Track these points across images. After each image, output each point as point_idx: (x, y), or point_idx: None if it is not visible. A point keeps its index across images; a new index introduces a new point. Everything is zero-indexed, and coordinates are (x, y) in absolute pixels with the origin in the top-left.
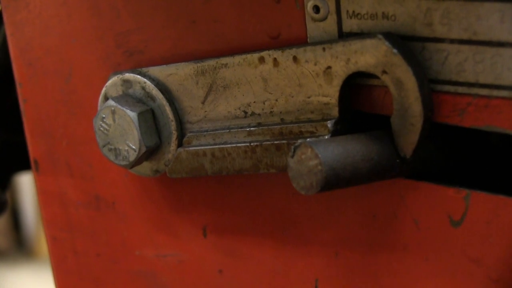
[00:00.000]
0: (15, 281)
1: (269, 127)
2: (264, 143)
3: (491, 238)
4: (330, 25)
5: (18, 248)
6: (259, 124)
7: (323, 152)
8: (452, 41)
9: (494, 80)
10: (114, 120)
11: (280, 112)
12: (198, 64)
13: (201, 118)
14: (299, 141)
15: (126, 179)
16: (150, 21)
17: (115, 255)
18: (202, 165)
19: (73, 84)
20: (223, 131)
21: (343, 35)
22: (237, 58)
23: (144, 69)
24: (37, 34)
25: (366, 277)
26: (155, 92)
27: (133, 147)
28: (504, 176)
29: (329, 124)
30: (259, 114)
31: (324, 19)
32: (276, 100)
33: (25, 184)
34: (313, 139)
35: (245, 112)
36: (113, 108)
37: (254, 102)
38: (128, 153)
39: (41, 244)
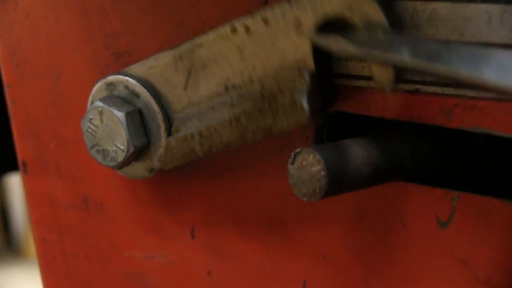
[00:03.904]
0: (4, 281)
1: (251, 94)
2: (247, 109)
3: (478, 239)
4: None
5: (8, 248)
6: (241, 95)
7: (325, 158)
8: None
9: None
10: (101, 121)
11: (259, 78)
12: (175, 50)
13: (185, 105)
14: (299, 148)
15: (115, 180)
16: (138, 22)
17: (104, 256)
18: (192, 148)
19: (61, 86)
20: (208, 110)
21: None
22: (211, 34)
23: (126, 69)
24: (26, 36)
25: (354, 278)
26: (138, 88)
27: (121, 147)
28: (491, 177)
29: (306, 74)
30: (239, 86)
31: None
32: (254, 67)
33: (15, 184)
34: (313, 146)
35: (226, 87)
36: (100, 109)
37: (233, 74)
38: (116, 153)
39: (31, 244)
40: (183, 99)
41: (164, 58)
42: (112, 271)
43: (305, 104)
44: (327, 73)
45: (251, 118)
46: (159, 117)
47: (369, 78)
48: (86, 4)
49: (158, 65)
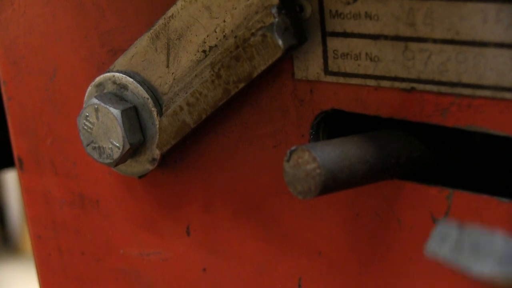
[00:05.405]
0: (0, 277)
1: (227, 49)
2: (225, 62)
3: None
4: (312, 24)
5: (3, 244)
6: (218, 54)
7: (320, 155)
8: (435, 41)
9: (477, 80)
10: (97, 118)
11: (232, 31)
12: (151, 31)
13: (171, 83)
14: (294, 146)
15: (110, 178)
16: (134, 20)
17: (99, 253)
18: (183, 121)
19: (57, 83)
20: (192, 80)
21: (326, 35)
22: (179, 3)
23: (111, 67)
24: (22, 33)
25: (349, 276)
26: (125, 80)
27: (117, 144)
28: (487, 175)
29: (273, 10)
30: (216, 45)
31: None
32: (224, 21)
33: (10, 180)
34: (309, 144)
35: (204, 51)
36: (96, 106)
37: (208, 36)
38: (112, 151)
39: (26, 240)
40: (168, 78)
41: (143, 42)
42: (108, 268)
43: (276, 36)
44: (294, 8)
45: (229, 69)
46: (149, 102)
47: (365, 76)
48: (82, 1)
49: (138, 52)
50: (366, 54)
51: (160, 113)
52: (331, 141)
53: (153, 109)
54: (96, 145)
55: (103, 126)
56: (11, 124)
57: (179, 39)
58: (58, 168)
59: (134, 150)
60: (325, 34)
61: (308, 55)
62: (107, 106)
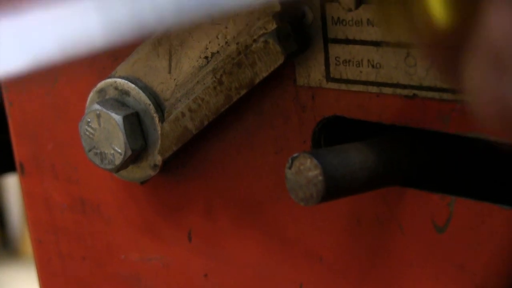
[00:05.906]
0: (0, 280)
1: (229, 55)
2: (227, 69)
3: (475, 245)
4: (314, 31)
5: (4, 248)
6: (220, 60)
7: (322, 162)
8: None
9: None
10: (99, 124)
11: (234, 37)
12: (153, 37)
13: (173, 89)
14: (296, 153)
15: (112, 183)
16: None
17: (100, 258)
18: (185, 127)
19: (59, 88)
20: (194, 86)
21: (328, 41)
22: None
23: (113, 72)
24: None
25: (350, 282)
26: (127, 85)
27: (119, 150)
28: (489, 182)
29: (274, 16)
30: (218, 52)
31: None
32: (226, 27)
33: (11, 184)
34: (311, 150)
35: (206, 58)
36: (98, 112)
37: (209, 42)
38: (113, 156)
39: (27, 244)
40: (170, 84)
41: (145, 48)
42: (109, 273)
43: (277, 43)
44: (296, 15)
45: (231, 75)
46: (151, 108)
47: (366, 82)
48: None
49: (140, 58)
50: (368, 60)
51: (162, 119)
52: (333, 148)
53: (155, 115)
54: (98, 151)
55: (104, 132)
56: (13, 129)
57: (181, 45)
58: (59, 173)
59: (135, 156)
60: (327, 41)
61: (310, 61)
62: (109, 112)
